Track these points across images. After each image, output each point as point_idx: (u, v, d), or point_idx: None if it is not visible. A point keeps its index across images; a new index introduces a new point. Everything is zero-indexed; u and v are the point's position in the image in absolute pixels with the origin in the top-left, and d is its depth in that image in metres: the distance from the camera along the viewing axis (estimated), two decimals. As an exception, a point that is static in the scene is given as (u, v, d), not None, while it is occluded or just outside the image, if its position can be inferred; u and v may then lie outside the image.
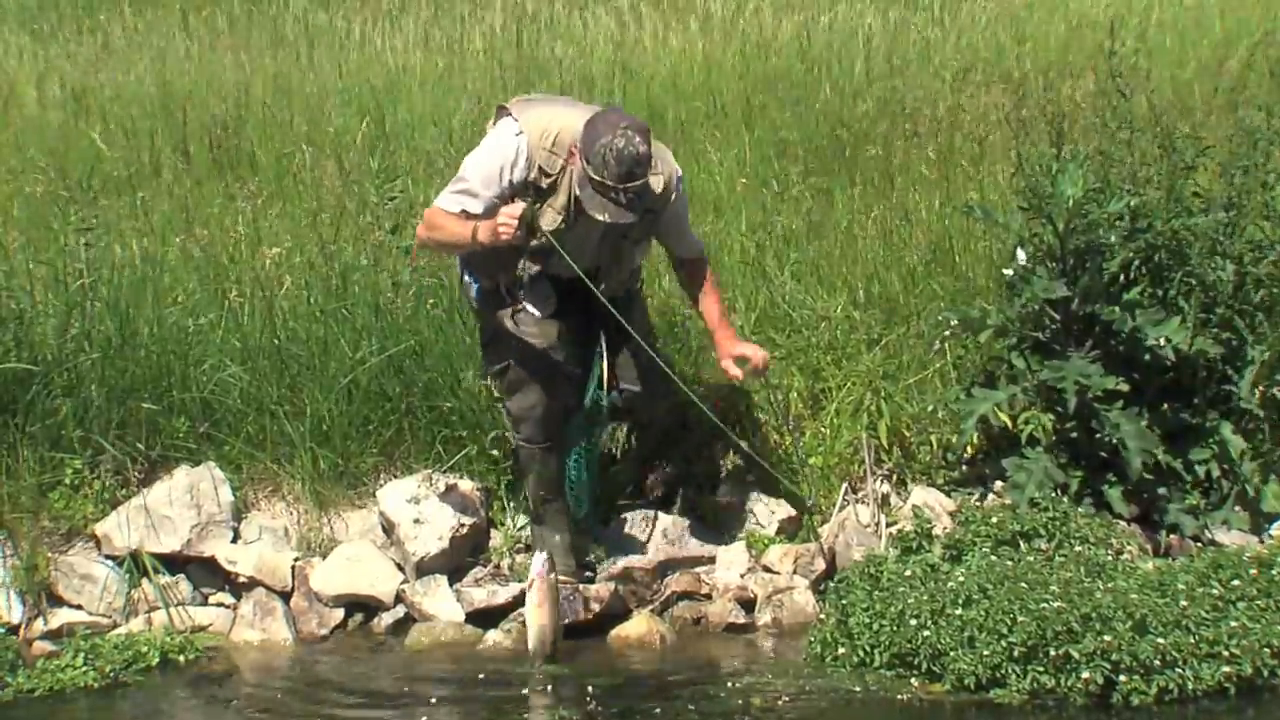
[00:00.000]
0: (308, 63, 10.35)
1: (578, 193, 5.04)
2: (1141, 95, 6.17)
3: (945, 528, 5.43)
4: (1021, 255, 5.68)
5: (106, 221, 6.97)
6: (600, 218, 4.99)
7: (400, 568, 5.63)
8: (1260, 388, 5.60)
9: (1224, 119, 6.44)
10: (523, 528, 5.68)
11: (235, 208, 7.41)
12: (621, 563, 5.55)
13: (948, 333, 5.76)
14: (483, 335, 5.48)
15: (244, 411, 5.97)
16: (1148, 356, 5.51)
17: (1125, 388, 5.40)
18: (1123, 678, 4.49)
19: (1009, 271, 5.73)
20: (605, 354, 5.32)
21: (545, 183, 5.13)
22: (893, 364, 5.91)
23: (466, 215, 5.09)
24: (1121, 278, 5.65)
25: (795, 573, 5.52)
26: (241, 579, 5.64)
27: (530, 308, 5.27)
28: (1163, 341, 5.43)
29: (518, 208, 5.00)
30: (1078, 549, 5.02)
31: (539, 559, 5.13)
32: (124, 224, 7.22)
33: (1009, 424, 5.57)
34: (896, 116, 7.91)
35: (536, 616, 5.10)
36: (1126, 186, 5.74)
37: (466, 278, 5.41)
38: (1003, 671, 4.57)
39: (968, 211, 5.84)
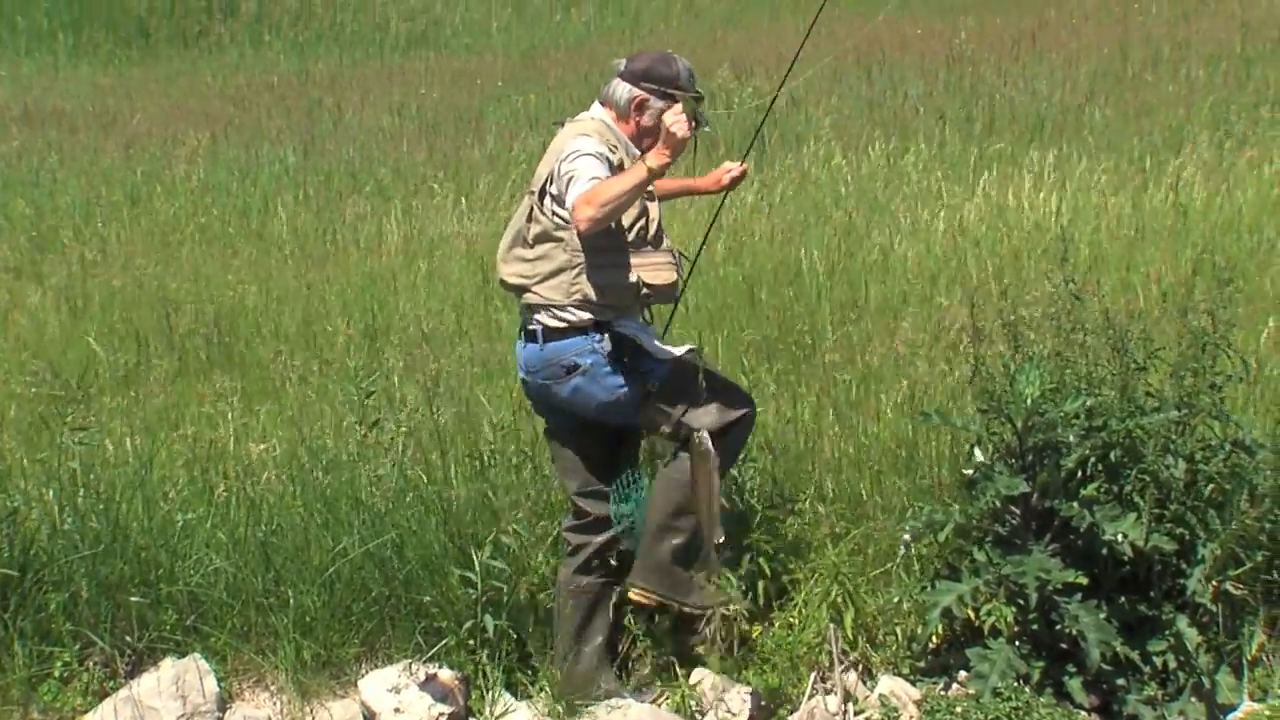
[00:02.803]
0: (296, 265, 10.67)
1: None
2: (1094, 299, 6.39)
3: (912, 716, 5.56)
4: (978, 454, 5.87)
5: (99, 420, 7.16)
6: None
7: (381, 756, 5.69)
8: (1214, 582, 5.71)
9: (1172, 321, 6.67)
10: (500, 716, 5.77)
11: (224, 405, 7.61)
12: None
13: (908, 536, 5.91)
14: (645, 390, 5.57)
15: (229, 604, 6.11)
16: (1105, 551, 5.65)
17: (1084, 581, 5.53)
18: None
19: (968, 471, 5.91)
20: None
21: (616, 158, 5.43)
22: (858, 558, 6.06)
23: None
24: (1079, 474, 5.80)
25: (767, 761, 5.59)
26: (227, 768, 5.70)
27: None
28: (1119, 537, 5.56)
29: (676, 106, 5.34)
30: (1040, 738, 5.14)
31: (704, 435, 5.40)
32: (116, 422, 7.41)
33: (972, 615, 5.71)
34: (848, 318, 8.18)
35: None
36: (1082, 387, 5.90)
37: (583, 363, 5.50)
38: None
39: (924, 419, 6.01)
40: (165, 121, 18.28)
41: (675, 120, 5.18)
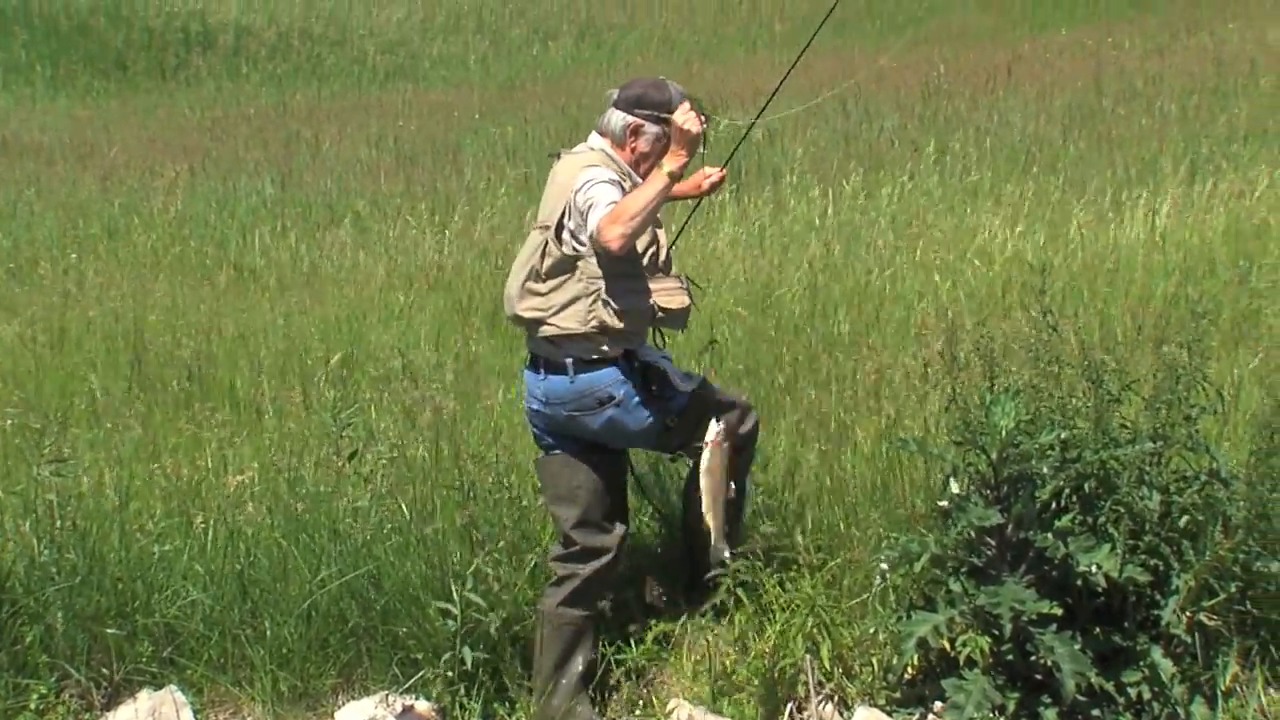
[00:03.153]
0: (274, 297, 10.67)
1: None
2: (1070, 332, 6.43)
3: (887, 747, 5.59)
4: (954, 485, 5.89)
5: (76, 452, 7.15)
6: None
7: (358, 787, 5.70)
8: (1188, 613, 5.73)
9: (1147, 353, 6.71)
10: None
11: (202, 437, 7.61)
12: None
13: (885, 566, 5.93)
14: (665, 423, 5.77)
15: (206, 635, 6.10)
16: (1080, 582, 5.66)
17: (1059, 612, 5.53)
18: None
19: (944, 502, 5.93)
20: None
21: (628, 185, 5.55)
22: (835, 589, 6.08)
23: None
24: (1053, 505, 5.81)
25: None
26: (202, 801, 5.71)
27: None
28: (1094, 568, 5.57)
29: (684, 105, 5.45)
30: (1015, 768, 5.16)
31: (714, 426, 5.55)
32: (93, 454, 7.40)
33: (947, 646, 5.72)
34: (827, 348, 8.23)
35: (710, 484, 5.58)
36: (1056, 418, 5.92)
37: (617, 394, 5.67)
38: None
39: (902, 446, 6.05)
40: (143, 153, 18.28)
41: (686, 117, 5.36)
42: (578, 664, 5.82)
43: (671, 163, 5.34)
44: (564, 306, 5.59)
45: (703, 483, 5.68)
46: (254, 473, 7.04)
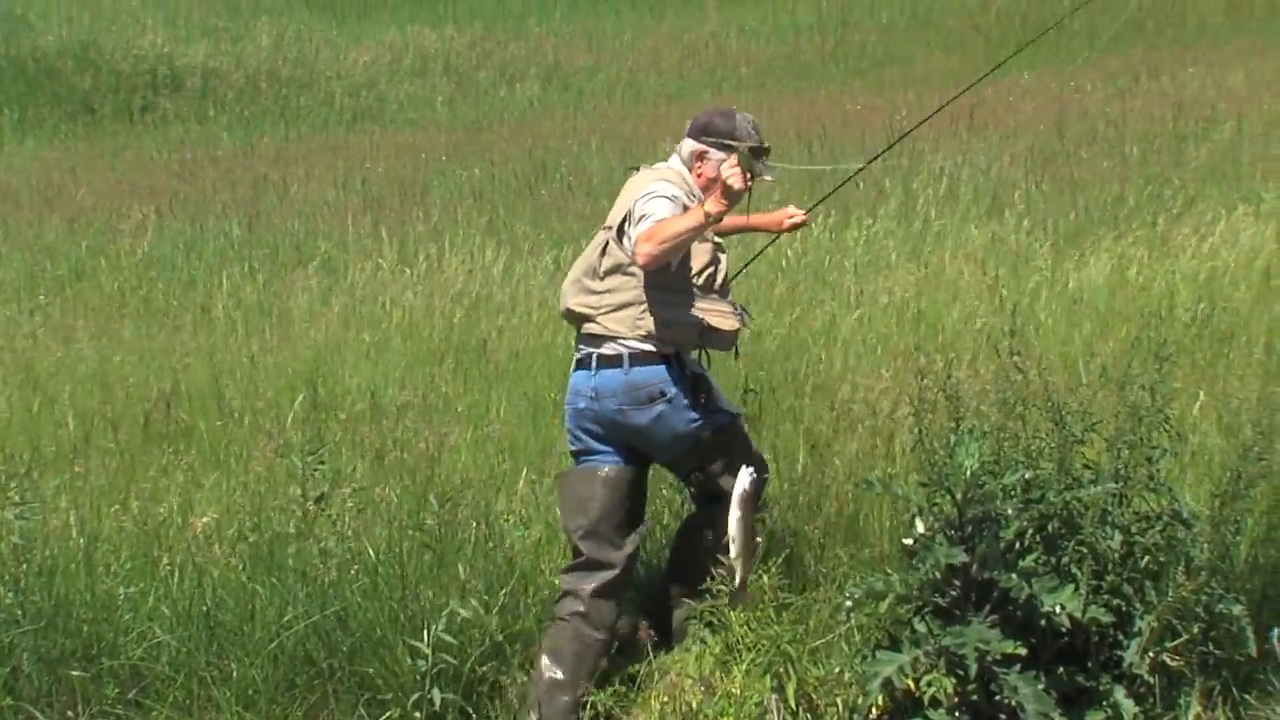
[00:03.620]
0: (241, 338, 10.67)
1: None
2: (1035, 373, 6.47)
3: (853, 787, 5.59)
4: (920, 525, 5.93)
5: (42, 495, 7.13)
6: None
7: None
8: (1150, 654, 5.75)
9: (1110, 395, 6.76)
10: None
11: (169, 479, 7.60)
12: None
13: (850, 604, 5.95)
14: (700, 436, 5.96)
15: (172, 677, 6.09)
16: (1044, 622, 5.68)
17: (1023, 652, 5.55)
18: None
19: (909, 541, 5.97)
20: None
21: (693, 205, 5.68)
22: (800, 628, 6.10)
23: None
24: (1017, 545, 5.85)
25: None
26: (166, 843, 5.68)
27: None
28: (1058, 608, 5.60)
29: (732, 158, 5.58)
30: (980, 807, 5.17)
31: (746, 474, 5.65)
32: (59, 498, 7.38)
33: (912, 685, 5.73)
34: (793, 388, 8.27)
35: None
36: (1021, 459, 5.95)
37: (670, 391, 5.86)
38: None
39: (867, 487, 6.08)
40: (110, 196, 18.27)
41: (731, 173, 5.47)
42: (581, 683, 5.89)
43: (712, 205, 5.48)
44: (617, 308, 5.84)
45: (733, 529, 5.75)
46: (221, 514, 7.03)
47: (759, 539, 5.94)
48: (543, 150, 19.25)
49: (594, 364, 5.90)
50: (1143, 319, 8.48)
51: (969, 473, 5.71)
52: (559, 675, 5.87)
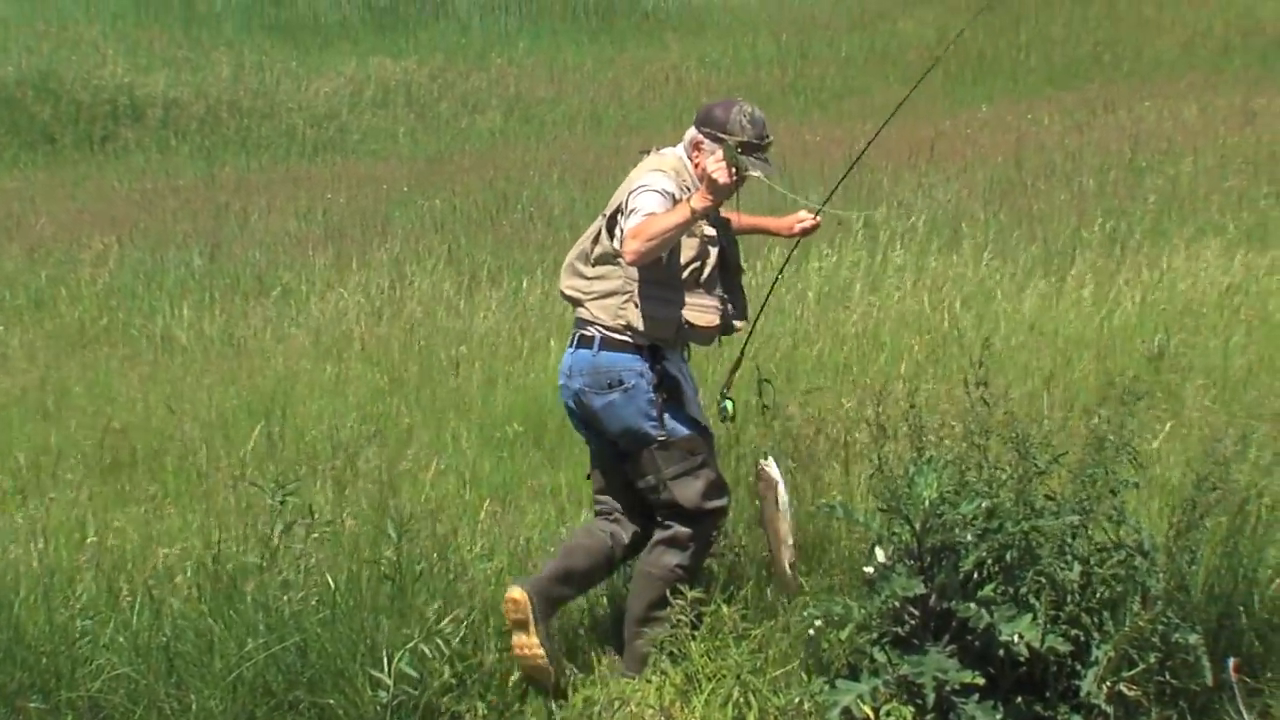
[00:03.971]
0: (201, 369, 10.65)
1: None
2: (998, 405, 6.50)
3: (813, 817, 5.59)
4: (880, 554, 5.94)
5: (1, 528, 7.10)
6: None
7: None
8: (1108, 683, 5.75)
9: (1071, 426, 6.80)
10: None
11: (128, 509, 7.56)
12: None
13: (812, 631, 5.97)
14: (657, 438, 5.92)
15: (130, 709, 6.04)
16: (1002, 651, 5.70)
17: (981, 681, 5.57)
18: None
19: (869, 569, 5.98)
20: None
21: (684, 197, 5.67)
22: (761, 657, 6.10)
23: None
24: (976, 575, 5.87)
25: None
26: None
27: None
28: (1016, 638, 5.62)
29: (717, 153, 5.58)
30: (939, 836, 5.18)
31: (772, 462, 5.76)
32: (18, 529, 7.34)
33: (871, 715, 5.70)
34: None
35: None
36: (982, 489, 5.97)
37: (628, 382, 5.88)
38: None
39: (829, 511, 6.10)
40: (71, 225, 18.17)
41: (716, 168, 5.52)
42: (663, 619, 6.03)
43: (698, 201, 5.51)
44: (602, 296, 5.89)
45: (782, 524, 5.97)
46: (181, 546, 7.00)
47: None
48: (504, 181, 19.27)
49: (575, 344, 6.00)
50: (1102, 350, 8.54)
51: (928, 502, 5.74)
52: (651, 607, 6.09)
